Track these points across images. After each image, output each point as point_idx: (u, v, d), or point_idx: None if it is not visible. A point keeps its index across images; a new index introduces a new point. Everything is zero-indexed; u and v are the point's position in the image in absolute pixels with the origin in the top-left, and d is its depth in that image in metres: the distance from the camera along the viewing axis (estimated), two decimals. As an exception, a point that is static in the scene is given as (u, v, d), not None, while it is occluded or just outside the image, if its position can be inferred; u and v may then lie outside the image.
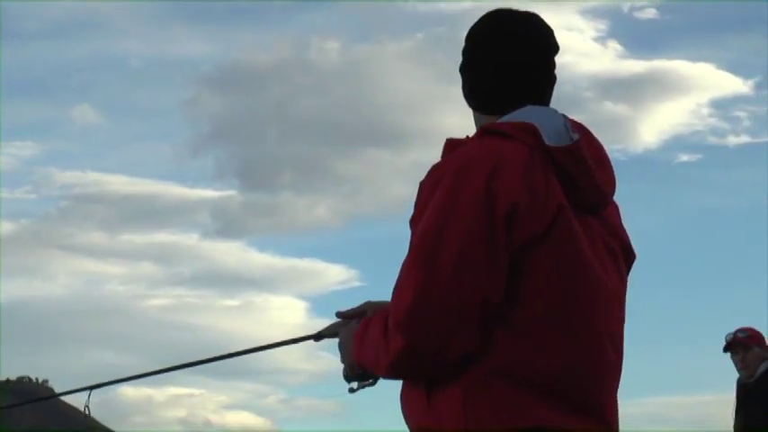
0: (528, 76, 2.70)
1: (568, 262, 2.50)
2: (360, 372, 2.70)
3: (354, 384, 2.78)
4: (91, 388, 3.07)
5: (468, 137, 2.67)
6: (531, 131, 2.55)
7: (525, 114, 2.62)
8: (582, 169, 2.58)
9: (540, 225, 2.46)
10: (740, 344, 6.83)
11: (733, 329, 6.98)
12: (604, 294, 2.57)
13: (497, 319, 2.43)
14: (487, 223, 2.42)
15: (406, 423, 2.61)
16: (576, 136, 2.60)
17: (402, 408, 2.62)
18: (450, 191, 2.47)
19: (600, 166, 2.64)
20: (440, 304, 2.40)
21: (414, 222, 2.56)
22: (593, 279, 2.54)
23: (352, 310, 2.85)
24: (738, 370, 6.88)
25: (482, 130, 2.64)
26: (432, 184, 2.53)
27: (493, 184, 2.44)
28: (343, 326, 2.82)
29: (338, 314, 2.87)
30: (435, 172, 2.55)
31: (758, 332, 6.86)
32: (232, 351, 3.15)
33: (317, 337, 2.90)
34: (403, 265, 2.50)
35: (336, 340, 2.81)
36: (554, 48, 2.75)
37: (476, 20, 2.80)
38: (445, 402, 2.45)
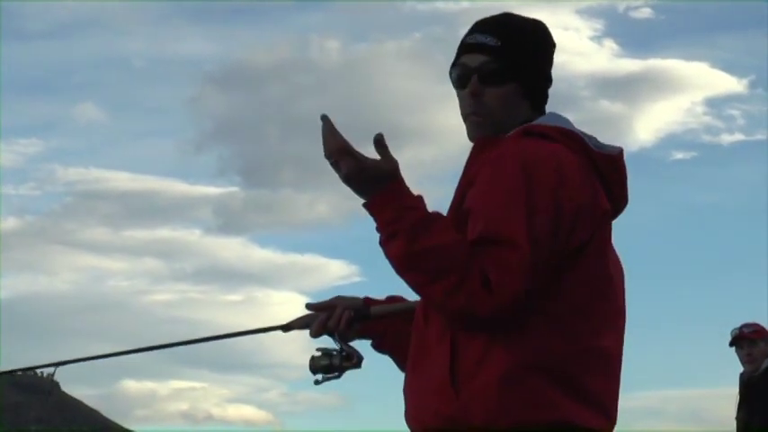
0: (550, 78, 2.75)
1: (602, 263, 2.52)
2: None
3: (320, 377, 2.74)
4: (57, 365, 3.19)
5: (502, 137, 2.60)
6: (572, 136, 2.56)
7: (554, 120, 2.63)
8: (619, 178, 2.62)
9: (591, 228, 2.48)
10: (746, 339, 6.86)
11: (736, 324, 7.01)
12: (615, 297, 2.58)
13: (534, 310, 2.40)
14: (558, 222, 2.41)
15: (413, 409, 2.53)
16: (619, 147, 2.64)
17: (411, 394, 2.55)
18: (525, 181, 2.41)
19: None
20: (526, 297, 2.34)
21: (473, 194, 2.50)
22: (614, 280, 2.57)
23: (321, 303, 2.82)
24: (743, 364, 6.92)
25: (523, 131, 2.57)
26: (494, 175, 2.46)
27: (561, 183, 2.43)
28: (313, 318, 2.79)
29: (308, 306, 2.84)
30: (498, 164, 2.47)
31: (763, 327, 6.88)
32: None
33: (286, 328, 2.86)
34: (496, 251, 2.37)
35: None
36: None
37: (483, 19, 2.74)
38: (477, 391, 2.39)
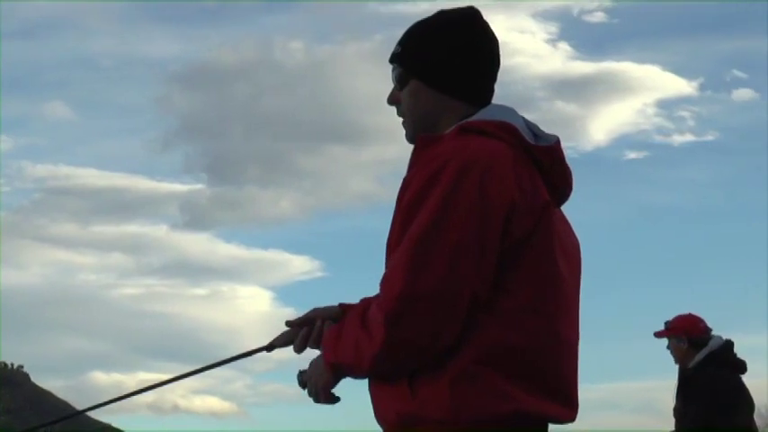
0: (490, 72, 2.70)
1: (547, 255, 2.50)
2: (337, 378, 2.58)
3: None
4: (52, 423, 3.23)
5: (441, 135, 2.59)
6: (510, 131, 2.53)
7: (496, 113, 2.60)
8: (560, 169, 2.60)
9: (532, 222, 2.46)
10: (663, 336, 6.76)
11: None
12: (566, 286, 2.58)
13: (484, 308, 2.40)
14: (484, 221, 2.39)
15: (377, 407, 2.56)
16: (555, 136, 2.62)
17: (372, 393, 2.57)
18: (448, 189, 2.40)
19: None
20: (432, 299, 2.35)
21: (398, 216, 2.50)
22: (561, 271, 2.55)
23: (300, 318, 2.78)
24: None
25: (461, 128, 2.56)
26: (428, 179, 2.44)
27: (488, 182, 2.41)
28: (293, 335, 2.77)
29: (287, 323, 2.80)
30: (431, 165, 2.46)
31: (684, 321, 6.73)
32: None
33: (269, 348, 2.82)
34: (396, 254, 2.42)
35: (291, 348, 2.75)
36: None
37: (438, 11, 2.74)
38: (431, 391, 2.40)
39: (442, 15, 2.72)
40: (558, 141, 2.61)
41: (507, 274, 2.43)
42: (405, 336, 2.35)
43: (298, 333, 2.76)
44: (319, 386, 2.59)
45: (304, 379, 2.66)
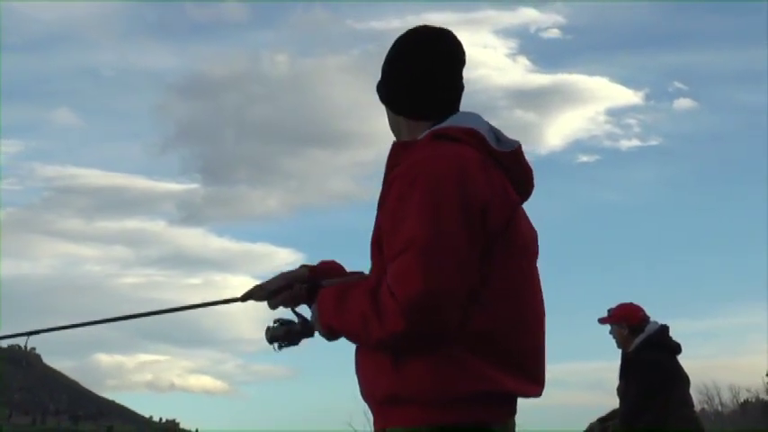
0: (446, 86, 2.68)
1: (519, 249, 2.53)
2: (331, 338, 2.61)
3: (276, 345, 2.73)
4: (29, 334, 3.05)
5: (415, 141, 2.60)
6: (477, 137, 2.55)
7: (462, 120, 2.62)
8: (523, 171, 2.62)
9: (504, 219, 2.48)
10: (606, 320, 6.76)
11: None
12: (532, 274, 2.60)
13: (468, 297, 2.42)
14: (468, 219, 2.40)
15: (363, 386, 2.56)
16: (517, 142, 2.64)
17: (359, 372, 2.58)
18: (431, 190, 2.40)
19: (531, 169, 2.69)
20: (446, 297, 2.34)
21: (387, 215, 2.48)
22: (528, 261, 2.58)
23: (275, 281, 2.76)
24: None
25: (432, 135, 2.58)
26: (410, 184, 2.44)
27: (464, 184, 2.42)
28: (261, 288, 2.75)
29: (258, 286, 2.78)
30: (407, 171, 2.47)
31: (625, 309, 6.75)
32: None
33: (244, 299, 2.77)
34: (404, 256, 2.37)
35: (288, 311, 2.74)
36: (464, 60, 2.74)
37: (408, 30, 2.75)
38: (414, 372, 2.41)
39: (405, 42, 2.73)
40: (519, 146, 2.63)
41: (484, 267, 2.44)
42: (418, 328, 2.35)
43: (272, 292, 2.75)
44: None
45: (274, 335, 2.69)
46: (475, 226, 2.41)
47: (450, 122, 2.61)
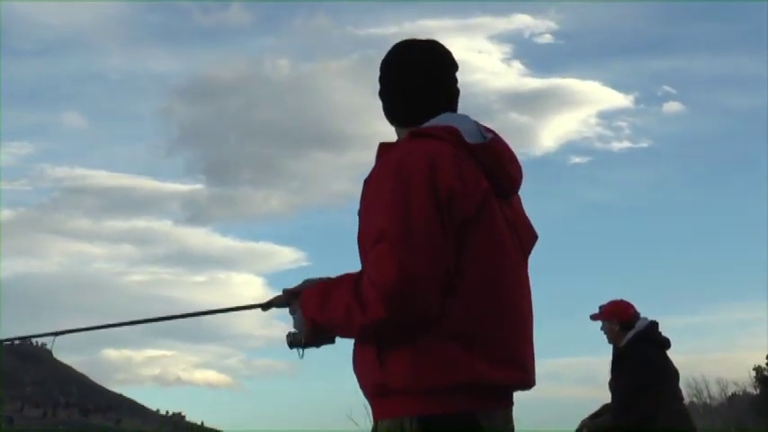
0: (434, 93, 2.73)
1: (493, 237, 2.53)
2: (315, 333, 2.61)
3: (299, 350, 2.73)
4: (55, 334, 3.09)
5: (398, 141, 2.70)
6: (452, 132, 2.59)
7: (444, 119, 2.67)
8: (496, 162, 2.63)
9: (473, 207, 2.49)
10: (598, 317, 6.74)
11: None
12: (512, 265, 2.60)
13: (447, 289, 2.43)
14: (437, 207, 2.43)
15: (359, 380, 2.59)
16: (489, 135, 2.67)
17: (355, 367, 2.60)
18: (400, 182, 2.44)
19: (510, 162, 2.70)
20: (422, 281, 2.36)
21: (363, 213, 2.54)
22: (509, 252, 2.58)
23: (295, 287, 2.77)
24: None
25: (410, 134, 2.64)
26: (378, 180, 2.51)
27: (433, 174, 2.45)
28: (288, 299, 2.74)
29: (285, 291, 2.78)
30: (379, 170, 2.54)
31: (615, 306, 6.73)
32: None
33: (266, 306, 2.80)
34: (380, 245, 2.40)
35: (286, 310, 2.74)
36: (454, 65, 2.80)
37: (393, 46, 2.83)
38: (397, 363, 2.44)
39: (394, 58, 2.80)
40: (491, 140, 2.66)
41: (460, 256, 2.46)
42: (398, 315, 2.36)
43: (293, 296, 2.74)
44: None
45: (294, 339, 2.69)
46: (443, 213, 2.43)
47: (430, 122, 2.68)
